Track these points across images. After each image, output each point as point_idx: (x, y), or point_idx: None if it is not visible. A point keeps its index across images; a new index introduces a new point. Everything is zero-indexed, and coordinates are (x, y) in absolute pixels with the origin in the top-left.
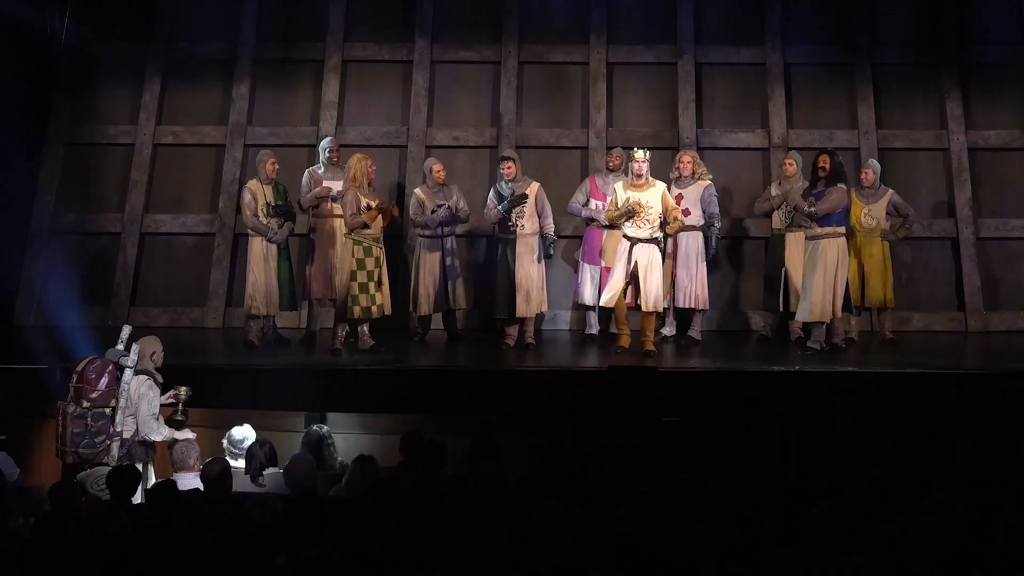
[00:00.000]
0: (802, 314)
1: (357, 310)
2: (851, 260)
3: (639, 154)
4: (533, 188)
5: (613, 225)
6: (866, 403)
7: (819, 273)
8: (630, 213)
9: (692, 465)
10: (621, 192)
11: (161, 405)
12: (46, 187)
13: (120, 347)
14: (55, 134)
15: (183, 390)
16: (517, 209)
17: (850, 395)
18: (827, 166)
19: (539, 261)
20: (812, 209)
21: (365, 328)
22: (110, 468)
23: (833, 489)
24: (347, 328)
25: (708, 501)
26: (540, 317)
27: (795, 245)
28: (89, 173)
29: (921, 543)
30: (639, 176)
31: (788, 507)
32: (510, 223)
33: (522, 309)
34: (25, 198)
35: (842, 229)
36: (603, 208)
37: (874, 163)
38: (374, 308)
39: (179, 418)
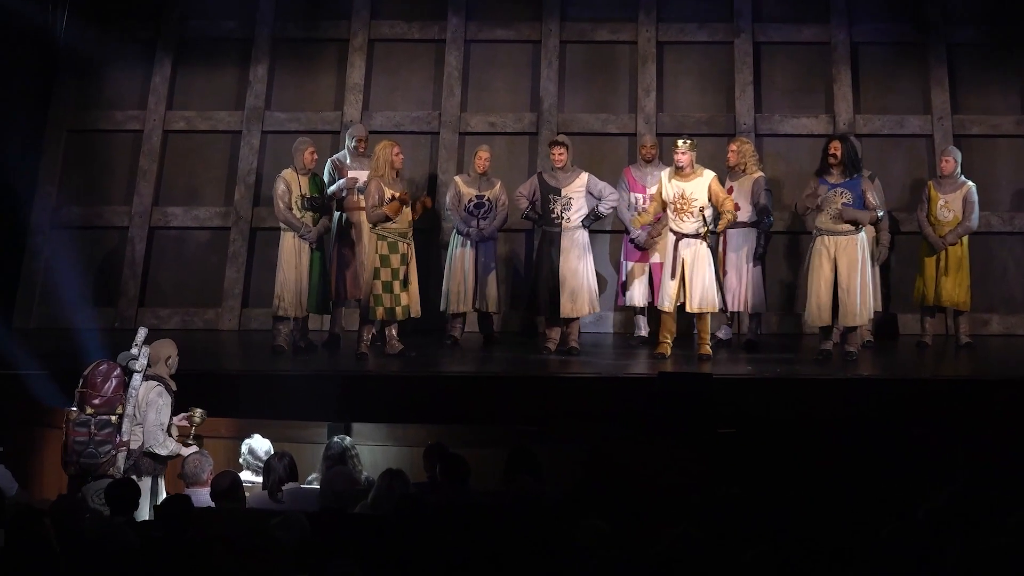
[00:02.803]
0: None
1: (380, 311)
2: (925, 259)
3: (680, 144)
4: (582, 179)
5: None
6: (940, 413)
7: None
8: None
9: (748, 480)
10: (666, 182)
11: (173, 424)
12: (47, 178)
13: (134, 351)
14: (57, 120)
15: (198, 413)
16: (563, 201)
17: (922, 404)
18: (839, 153)
19: (587, 255)
20: (880, 213)
21: (393, 331)
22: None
23: (905, 507)
24: (373, 331)
25: (765, 519)
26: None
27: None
28: (94, 162)
29: (1003, 568)
30: (683, 167)
31: (854, 527)
32: (554, 215)
33: (567, 309)
34: (24, 190)
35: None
36: (642, 202)
37: (954, 150)
38: (399, 309)
39: (189, 442)
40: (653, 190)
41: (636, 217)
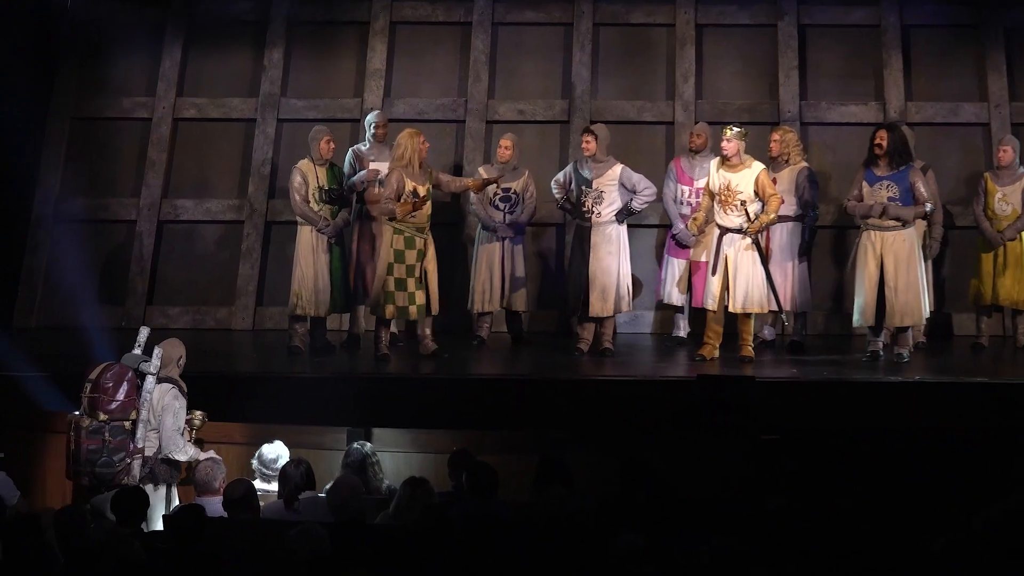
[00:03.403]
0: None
1: (390, 309)
2: (982, 255)
3: (727, 132)
4: (615, 171)
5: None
6: (996, 419)
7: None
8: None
9: (793, 490)
10: (714, 172)
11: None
12: (50, 168)
13: (138, 352)
14: (60, 107)
15: (198, 416)
16: (594, 194)
17: (978, 410)
18: (884, 143)
19: (621, 252)
20: (929, 207)
21: (427, 330)
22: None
23: (959, 519)
24: (392, 331)
25: (812, 532)
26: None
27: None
28: (100, 152)
29: None
30: (728, 157)
31: (905, 540)
32: (585, 208)
33: (596, 307)
34: (26, 181)
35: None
36: (688, 195)
37: (1013, 139)
38: (413, 308)
39: (206, 448)
40: (701, 183)
41: (691, 222)
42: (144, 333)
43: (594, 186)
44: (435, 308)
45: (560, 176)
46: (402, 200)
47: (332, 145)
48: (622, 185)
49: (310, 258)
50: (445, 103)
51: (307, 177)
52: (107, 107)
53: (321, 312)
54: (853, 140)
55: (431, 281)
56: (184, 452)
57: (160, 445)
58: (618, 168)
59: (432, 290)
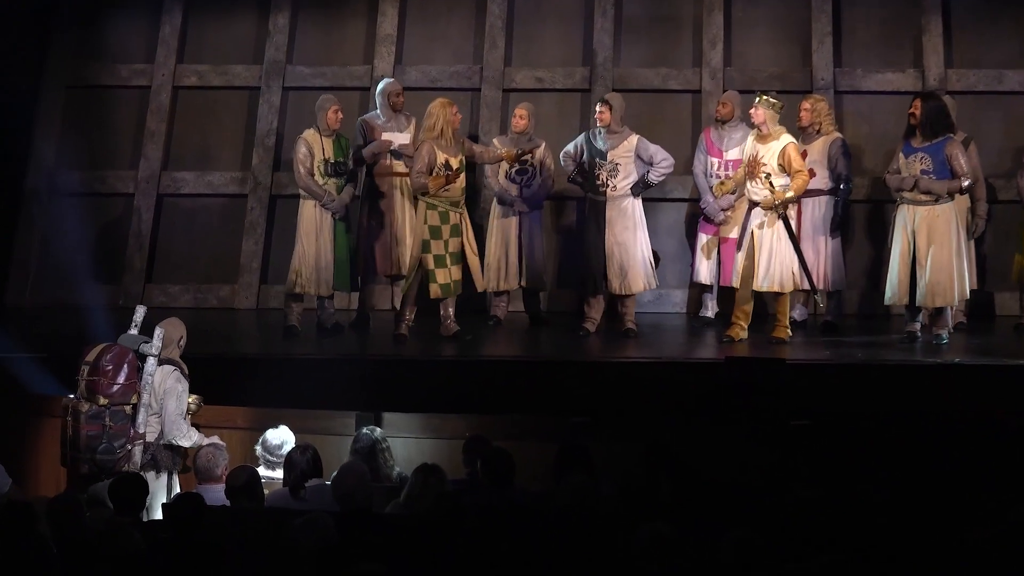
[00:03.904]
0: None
1: (435, 288)
2: None
3: (756, 100)
4: (630, 142)
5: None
6: None
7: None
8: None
9: (825, 479)
10: (749, 142)
11: None
12: (44, 139)
13: (134, 332)
14: (55, 75)
15: (193, 400)
16: (609, 166)
17: (1021, 394)
18: (918, 113)
19: (639, 227)
20: (967, 182)
21: (450, 310)
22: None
23: (998, 509)
24: (415, 310)
25: (843, 523)
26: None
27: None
28: (95, 122)
29: None
30: (757, 126)
31: (943, 532)
32: (599, 182)
33: (615, 286)
34: (18, 153)
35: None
36: (717, 167)
37: None
38: (453, 285)
39: (211, 434)
40: (730, 155)
41: (718, 185)
42: (141, 312)
43: (609, 158)
44: (479, 286)
45: (571, 147)
46: (434, 174)
47: (340, 115)
48: (638, 157)
49: (312, 234)
50: (459, 70)
51: (313, 148)
52: (104, 75)
53: (322, 291)
54: (890, 109)
55: (471, 257)
56: (188, 438)
57: (162, 430)
58: (634, 139)
59: (473, 267)
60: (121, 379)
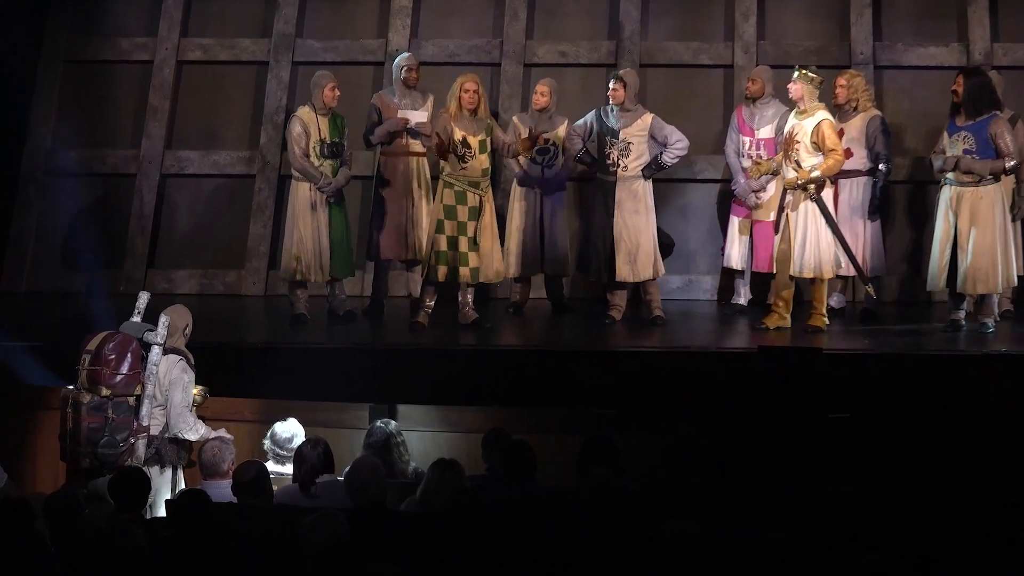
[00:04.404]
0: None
1: (442, 271)
2: None
3: (795, 74)
4: (644, 121)
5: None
6: None
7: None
8: (773, 171)
9: (864, 474)
10: (790, 121)
11: None
12: (41, 117)
13: (137, 319)
14: (53, 49)
15: (198, 391)
16: (621, 145)
17: None
18: (960, 89)
19: (648, 210)
20: (1012, 162)
21: (468, 297)
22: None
23: None
24: (436, 297)
25: (883, 520)
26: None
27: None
28: (96, 99)
29: None
30: (796, 102)
31: (987, 528)
32: (609, 161)
33: (623, 272)
34: (15, 131)
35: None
36: (748, 147)
37: None
38: (464, 271)
39: (218, 427)
40: (762, 133)
41: (753, 165)
42: (144, 298)
43: (621, 137)
44: (489, 275)
45: (579, 124)
46: (447, 149)
47: (337, 92)
48: (652, 137)
49: (308, 217)
50: (478, 44)
51: (308, 127)
52: (104, 48)
53: (325, 276)
54: (932, 85)
55: (485, 243)
56: (195, 431)
57: (167, 423)
58: (648, 118)
59: (487, 253)
60: (124, 369)
